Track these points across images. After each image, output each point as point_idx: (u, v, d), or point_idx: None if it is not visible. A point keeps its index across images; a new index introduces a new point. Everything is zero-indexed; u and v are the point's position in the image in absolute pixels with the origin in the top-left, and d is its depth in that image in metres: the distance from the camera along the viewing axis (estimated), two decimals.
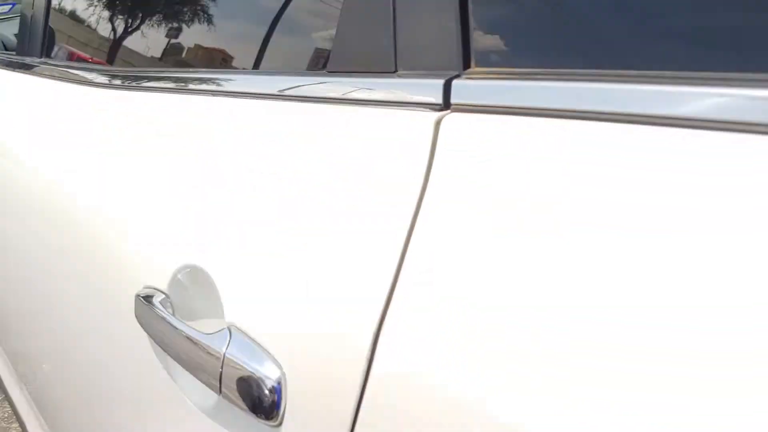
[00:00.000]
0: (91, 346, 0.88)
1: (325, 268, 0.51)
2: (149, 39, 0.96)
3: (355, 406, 0.46)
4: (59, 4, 1.31)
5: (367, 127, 0.53)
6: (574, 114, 0.41)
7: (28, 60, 1.37)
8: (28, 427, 1.32)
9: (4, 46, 2.02)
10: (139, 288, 0.70)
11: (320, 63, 0.63)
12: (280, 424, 0.53)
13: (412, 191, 0.47)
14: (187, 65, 0.85)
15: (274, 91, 0.63)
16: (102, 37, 1.13)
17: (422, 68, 0.51)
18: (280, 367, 0.53)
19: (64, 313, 0.95)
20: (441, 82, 0.49)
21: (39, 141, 1.07)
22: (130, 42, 1.02)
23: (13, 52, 1.55)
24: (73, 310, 0.92)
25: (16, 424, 2.05)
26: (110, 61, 1.06)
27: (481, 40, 0.49)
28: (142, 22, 1.00)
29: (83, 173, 0.89)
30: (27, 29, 1.42)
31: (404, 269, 0.45)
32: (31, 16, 1.40)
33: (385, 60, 0.54)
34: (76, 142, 0.95)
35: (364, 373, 0.46)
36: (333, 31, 0.60)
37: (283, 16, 0.68)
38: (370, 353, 0.45)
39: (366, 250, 0.48)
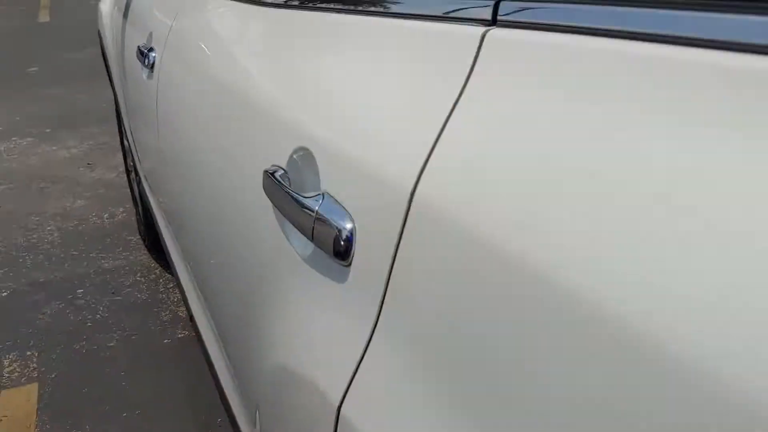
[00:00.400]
0: (229, 214, 1.20)
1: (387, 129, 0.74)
2: None
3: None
4: None
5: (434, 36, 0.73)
6: (606, 32, 0.50)
7: None
8: (191, 304, 1.75)
9: None
10: (267, 165, 0.94)
11: None
12: (350, 264, 0.75)
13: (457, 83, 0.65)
14: None
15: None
16: None
17: None
18: (353, 221, 0.74)
19: (213, 192, 1.29)
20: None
21: (232, 50, 1.34)
22: None
23: None
24: (218, 187, 1.25)
25: (182, 308, 2.47)
26: None
27: None
28: None
29: (254, 73, 1.16)
30: None
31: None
32: None
33: None
34: (254, 50, 1.24)
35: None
36: None
37: None
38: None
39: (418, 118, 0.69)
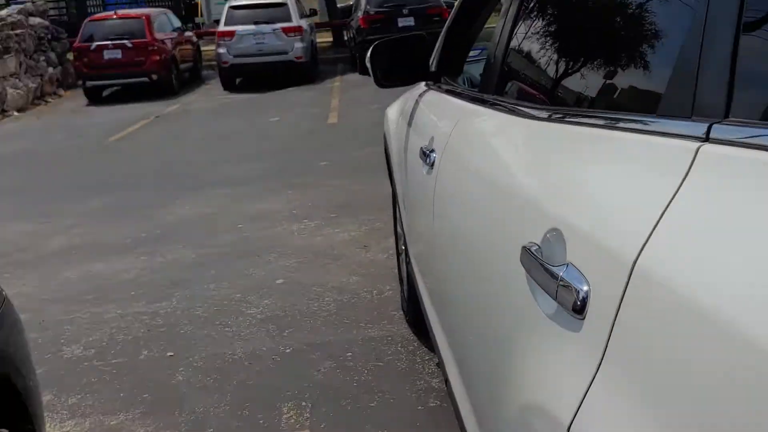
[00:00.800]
0: (486, 286, 1.50)
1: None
2: (587, 81, 1.39)
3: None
4: (516, 47, 1.76)
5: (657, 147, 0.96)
6: None
7: (485, 96, 1.89)
8: (447, 367, 2.03)
9: (472, 83, 2.58)
10: (524, 243, 1.16)
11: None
12: (584, 318, 0.96)
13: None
14: (612, 108, 1.26)
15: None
16: (547, 78, 1.59)
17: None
18: (589, 285, 0.96)
19: (475, 267, 1.60)
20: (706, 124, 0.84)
21: (485, 156, 1.70)
22: (570, 83, 1.48)
23: (476, 89, 2.11)
24: (479, 263, 1.55)
25: (436, 378, 2.72)
26: (551, 99, 1.54)
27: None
28: (581, 65, 1.41)
29: (516, 171, 1.46)
30: (487, 70, 1.95)
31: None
32: (491, 59, 1.88)
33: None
34: (515, 153, 1.57)
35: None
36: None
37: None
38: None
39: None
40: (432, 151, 2.20)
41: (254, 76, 14.88)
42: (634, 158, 1.02)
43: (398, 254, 3.75)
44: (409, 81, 2.84)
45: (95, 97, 14.44)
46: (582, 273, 0.98)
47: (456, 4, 2.68)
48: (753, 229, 0.70)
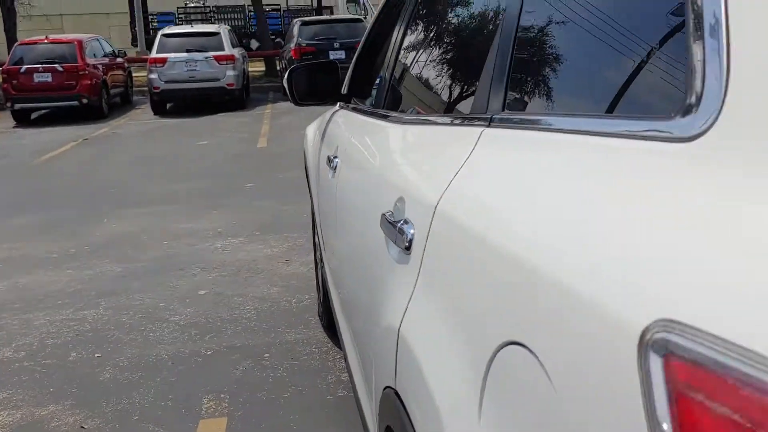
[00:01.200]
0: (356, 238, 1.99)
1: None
2: (430, 95, 1.87)
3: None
4: (393, 74, 2.26)
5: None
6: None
7: (374, 110, 2.35)
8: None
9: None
10: (383, 211, 1.54)
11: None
12: (410, 253, 1.33)
13: None
14: (443, 111, 1.70)
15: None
16: (405, 93, 2.10)
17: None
18: (414, 230, 1.32)
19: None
20: None
21: (364, 154, 2.18)
22: (419, 96, 1.97)
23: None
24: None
25: (345, 374, 2.98)
26: (407, 107, 2.08)
27: None
28: (426, 84, 1.89)
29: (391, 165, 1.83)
30: (377, 90, 2.45)
31: None
32: (380, 82, 2.39)
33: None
34: (376, 154, 2.02)
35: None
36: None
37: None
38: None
39: None
40: (335, 157, 2.56)
41: (185, 102, 15.10)
42: (446, 141, 1.44)
43: (316, 264, 4.07)
44: (323, 102, 3.20)
45: (23, 119, 14.41)
46: (411, 223, 1.35)
47: (363, 36, 3.06)
48: (512, 178, 1.06)
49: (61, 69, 14.17)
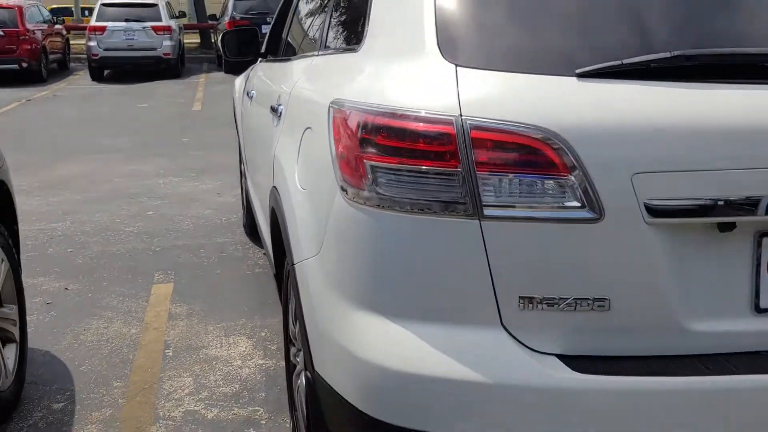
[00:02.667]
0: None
1: None
2: (298, 43, 3.08)
3: None
4: (281, 32, 3.50)
5: None
6: None
7: (274, 58, 3.53)
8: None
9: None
10: (272, 104, 2.99)
11: None
12: (280, 124, 2.95)
13: None
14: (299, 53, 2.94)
15: None
16: (284, 44, 3.31)
17: None
18: (281, 105, 2.89)
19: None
20: None
21: (266, 82, 3.32)
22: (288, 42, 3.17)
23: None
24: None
25: (262, 260, 4.19)
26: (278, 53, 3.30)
27: None
28: (294, 39, 3.11)
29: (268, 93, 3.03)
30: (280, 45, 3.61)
31: None
32: (279, 40, 3.59)
33: None
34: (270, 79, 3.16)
35: None
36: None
37: None
38: None
39: None
40: (252, 90, 3.79)
41: (122, 70, 15.95)
42: (299, 66, 2.71)
43: (242, 187, 5.27)
44: (248, 57, 4.38)
45: None
46: (282, 103, 2.58)
47: (276, 10, 4.28)
48: (303, 78, 2.33)
49: (2, 33, 14.83)
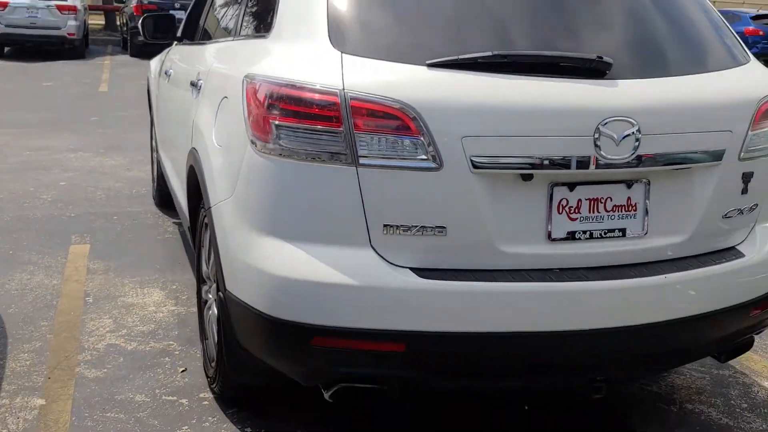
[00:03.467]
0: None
1: None
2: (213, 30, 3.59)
3: None
4: (197, 19, 3.98)
5: None
6: None
7: (190, 42, 4.00)
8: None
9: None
10: (192, 79, 3.35)
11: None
12: (199, 90, 3.31)
13: None
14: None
15: None
16: (200, 30, 3.81)
17: None
18: (199, 77, 3.38)
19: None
20: None
21: (183, 62, 3.86)
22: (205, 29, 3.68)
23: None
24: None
25: (173, 227, 4.60)
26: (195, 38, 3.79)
27: None
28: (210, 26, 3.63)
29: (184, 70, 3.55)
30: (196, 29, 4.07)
31: None
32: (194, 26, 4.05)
33: None
34: (186, 58, 3.74)
35: None
36: None
37: None
38: None
39: None
40: (170, 69, 4.23)
41: (24, 48, 15.72)
42: (213, 49, 3.26)
43: (152, 161, 5.67)
44: (165, 40, 4.79)
45: None
46: (201, 79, 3.08)
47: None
48: (220, 58, 2.84)
49: None
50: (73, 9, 15.76)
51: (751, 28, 21.13)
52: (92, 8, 20.87)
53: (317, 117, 2.11)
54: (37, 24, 15.39)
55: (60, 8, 15.54)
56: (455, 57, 2.14)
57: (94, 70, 14.18)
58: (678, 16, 2.54)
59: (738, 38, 2.62)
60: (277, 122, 2.16)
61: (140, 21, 4.65)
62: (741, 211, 2.44)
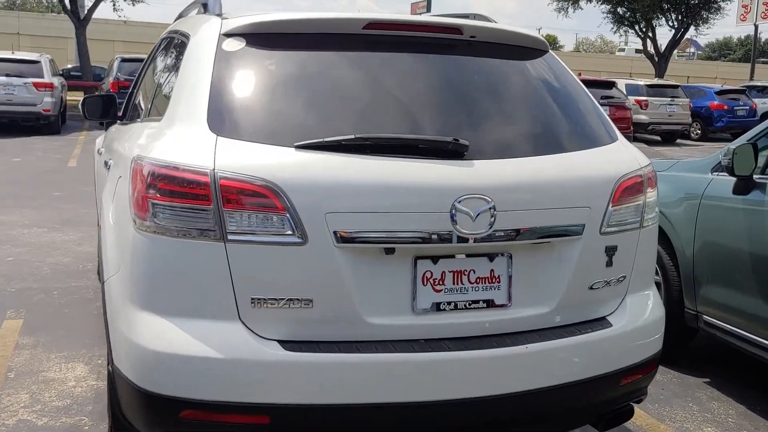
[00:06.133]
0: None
1: None
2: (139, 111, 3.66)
3: None
4: (133, 98, 4.05)
5: None
6: None
7: (124, 121, 4.03)
8: None
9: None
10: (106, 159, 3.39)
11: None
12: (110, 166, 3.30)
13: None
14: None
15: None
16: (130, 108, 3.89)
17: None
18: (111, 157, 3.36)
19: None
20: None
21: (113, 142, 3.76)
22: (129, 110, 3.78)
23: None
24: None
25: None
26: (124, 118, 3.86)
27: None
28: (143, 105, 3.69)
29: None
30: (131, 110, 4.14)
31: None
32: (128, 106, 4.13)
33: None
34: (117, 138, 3.60)
35: None
36: None
37: None
38: None
39: None
40: (101, 148, 4.37)
41: (0, 123, 15.96)
42: (130, 130, 3.34)
43: (99, 240, 5.75)
44: (106, 119, 4.94)
45: None
46: (111, 158, 3.22)
47: (135, 78, 4.90)
48: (126, 138, 2.97)
49: None
50: (49, 86, 16.08)
51: (716, 102, 21.79)
52: (71, 85, 21.28)
53: (188, 195, 2.22)
54: (13, 101, 15.67)
55: (36, 85, 15.85)
56: (320, 140, 2.27)
57: (67, 145, 14.39)
58: (542, 98, 2.70)
59: (605, 118, 2.78)
60: (153, 201, 2.27)
61: (81, 102, 4.81)
62: (608, 283, 2.55)
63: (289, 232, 2.20)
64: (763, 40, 69.25)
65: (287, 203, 2.19)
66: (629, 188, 2.56)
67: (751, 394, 4.02)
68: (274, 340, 2.24)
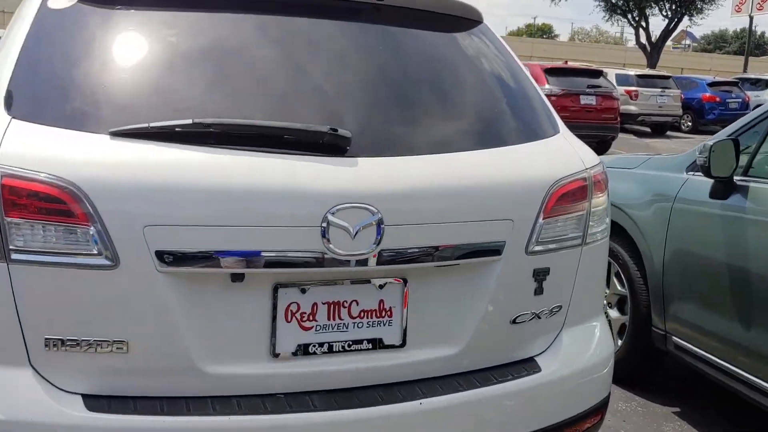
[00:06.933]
0: None
1: None
2: None
3: None
4: None
5: None
6: None
7: None
8: None
9: None
10: None
11: None
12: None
13: None
14: None
15: None
16: None
17: None
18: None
19: None
20: None
21: None
22: None
23: None
24: None
25: None
26: None
27: None
28: None
29: None
30: None
31: None
32: None
33: None
34: None
35: None
36: None
37: None
38: None
39: None
40: None
41: None
42: None
43: None
44: None
45: None
46: None
47: None
48: None
49: None
50: None
51: (708, 94, 21.26)
52: None
53: None
54: None
55: None
56: (144, 125, 1.69)
57: None
58: (463, 79, 2.13)
59: (546, 106, 2.21)
60: None
61: None
62: (537, 315, 1.99)
63: (94, 251, 1.63)
64: (758, 33, 68.78)
65: (91, 211, 1.62)
66: (568, 194, 1.99)
67: (722, 429, 3.47)
68: (78, 393, 1.67)
